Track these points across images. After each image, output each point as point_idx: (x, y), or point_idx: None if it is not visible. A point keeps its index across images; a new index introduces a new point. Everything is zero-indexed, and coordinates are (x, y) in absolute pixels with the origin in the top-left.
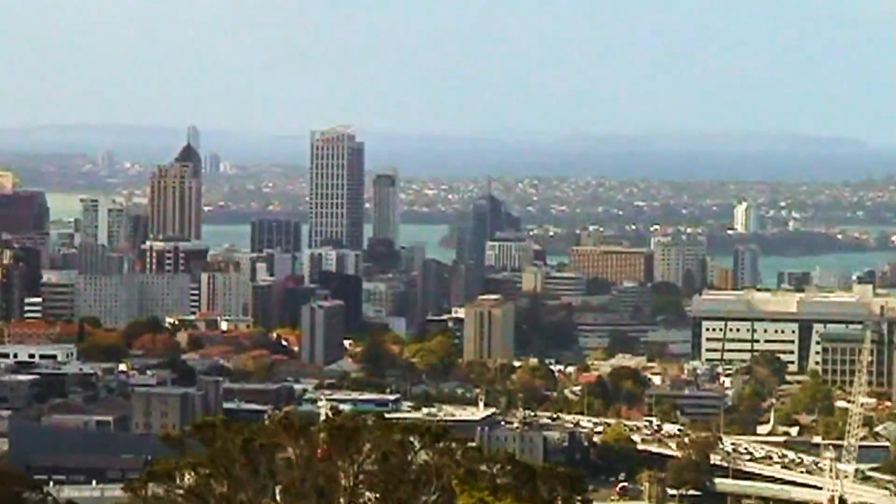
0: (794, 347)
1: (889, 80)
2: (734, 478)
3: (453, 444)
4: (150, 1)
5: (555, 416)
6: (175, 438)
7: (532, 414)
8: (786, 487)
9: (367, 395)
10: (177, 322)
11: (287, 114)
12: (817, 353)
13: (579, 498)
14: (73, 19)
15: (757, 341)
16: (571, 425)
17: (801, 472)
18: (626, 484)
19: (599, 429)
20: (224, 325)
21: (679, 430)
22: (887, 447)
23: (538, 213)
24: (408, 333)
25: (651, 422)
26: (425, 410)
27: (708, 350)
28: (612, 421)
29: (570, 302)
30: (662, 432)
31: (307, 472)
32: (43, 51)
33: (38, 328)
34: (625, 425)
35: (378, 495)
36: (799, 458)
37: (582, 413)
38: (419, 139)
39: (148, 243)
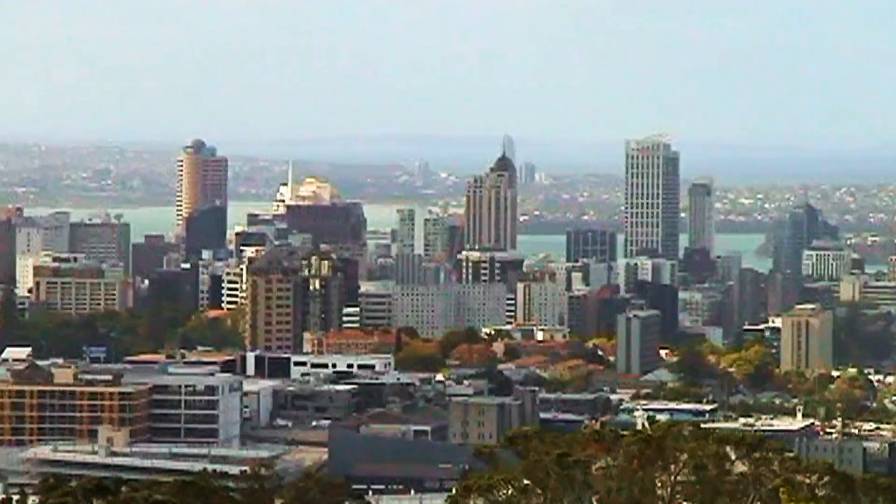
0: None
1: None
2: None
3: (770, 455)
4: (464, 13)
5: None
6: (488, 452)
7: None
8: None
9: (683, 405)
10: (493, 332)
11: (602, 122)
12: None
13: None
14: (388, 31)
15: None
16: (892, 436)
17: None
18: None
19: None
20: (540, 335)
21: None
22: None
23: (856, 221)
24: (724, 343)
25: None
26: (742, 420)
27: None
28: None
29: (889, 311)
30: None
31: (622, 482)
32: (360, 63)
33: (356, 338)
34: None
35: None
36: None
37: None
38: (734, 148)
39: (464, 253)
